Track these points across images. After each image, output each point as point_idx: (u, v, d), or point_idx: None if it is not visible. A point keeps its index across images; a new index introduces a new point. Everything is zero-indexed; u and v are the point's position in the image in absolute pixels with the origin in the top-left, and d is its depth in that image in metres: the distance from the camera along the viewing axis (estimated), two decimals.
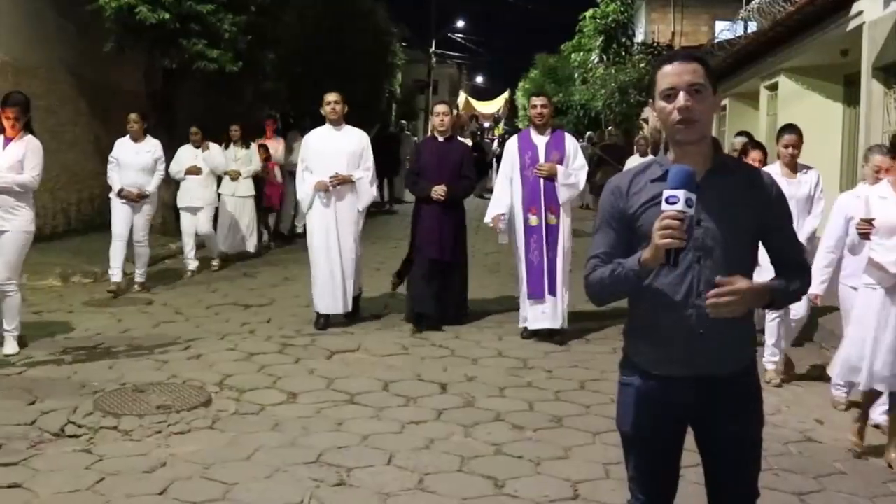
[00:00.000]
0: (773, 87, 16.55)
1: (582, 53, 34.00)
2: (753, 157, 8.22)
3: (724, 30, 23.93)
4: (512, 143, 9.60)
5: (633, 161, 14.78)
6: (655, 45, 29.96)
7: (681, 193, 3.03)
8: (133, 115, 11.55)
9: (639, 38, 33.14)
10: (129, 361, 8.03)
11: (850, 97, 14.51)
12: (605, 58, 30.55)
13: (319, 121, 10.09)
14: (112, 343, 8.69)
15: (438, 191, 9.54)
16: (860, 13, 11.79)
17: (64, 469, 5.51)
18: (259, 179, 14.96)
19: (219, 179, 13.72)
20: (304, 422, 6.51)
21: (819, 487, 5.56)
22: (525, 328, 9.32)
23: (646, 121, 29.19)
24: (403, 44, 38.36)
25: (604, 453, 6.00)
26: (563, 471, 5.70)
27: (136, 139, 11.51)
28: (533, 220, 9.13)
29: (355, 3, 22.94)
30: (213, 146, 13.40)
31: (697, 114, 3.17)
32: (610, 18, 31.52)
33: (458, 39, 62.83)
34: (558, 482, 5.51)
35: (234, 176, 14.00)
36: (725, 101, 20.43)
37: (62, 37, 14.51)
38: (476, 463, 5.80)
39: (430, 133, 10.88)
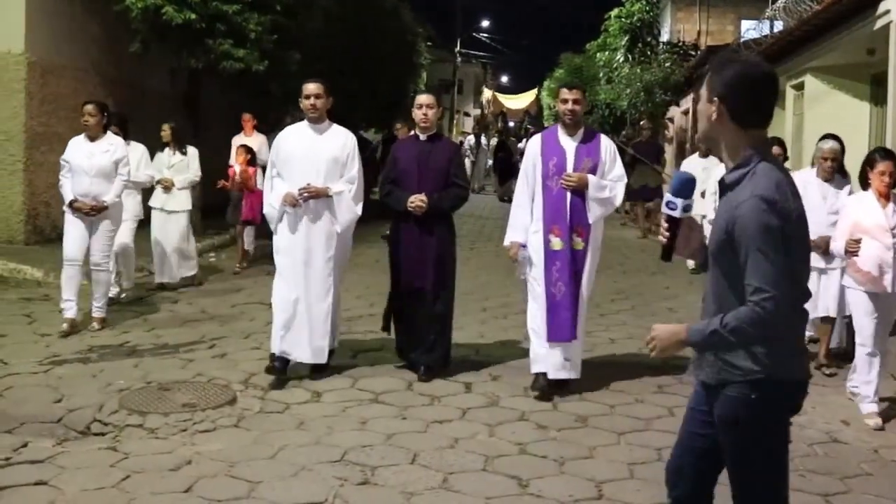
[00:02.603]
0: (800, 87, 16.47)
1: (607, 53, 33.80)
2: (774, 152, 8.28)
3: (750, 29, 23.81)
4: (534, 144, 7.61)
5: (693, 161, 14.13)
6: (681, 44, 29.83)
7: (679, 201, 3.43)
8: (89, 107, 9.27)
9: (664, 37, 33.00)
10: (155, 360, 8.07)
11: (878, 96, 14.42)
12: (630, 57, 30.36)
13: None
14: (138, 341, 8.74)
15: (416, 201, 7.70)
16: (887, 12, 11.70)
17: (89, 467, 5.55)
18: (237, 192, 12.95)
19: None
20: (329, 420, 6.53)
21: (845, 489, 5.53)
22: (539, 376, 7.35)
23: (671, 120, 29.11)
24: (429, 43, 38.36)
25: (629, 453, 5.98)
26: (587, 471, 5.69)
27: (92, 137, 9.21)
28: (555, 242, 7.29)
29: (381, 3, 22.96)
30: (136, 144, 10.72)
31: None
32: (635, 18, 31.32)
33: (484, 39, 62.89)
34: (583, 482, 5.50)
35: (168, 186, 11.51)
36: None
37: (89, 37, 14.59)
38: (500, 462, 5.80)
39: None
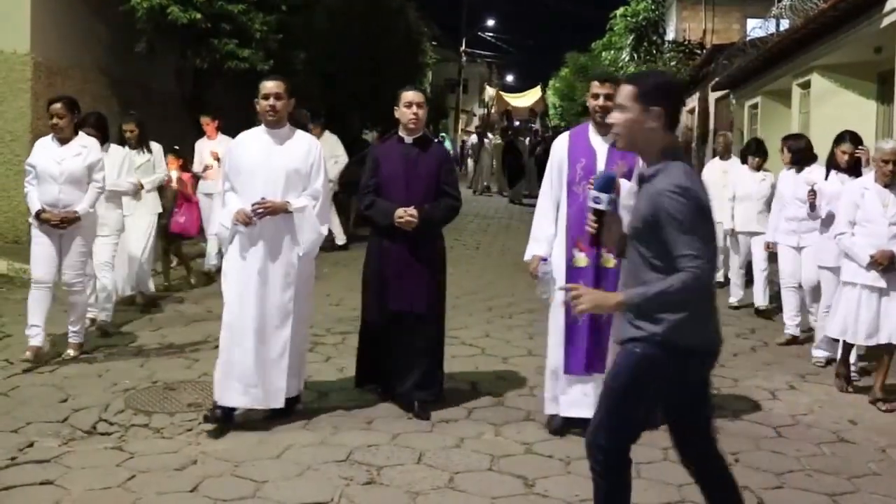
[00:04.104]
0: (806, 85, 16.41)
1: (612, 52, 33.93)
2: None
3: (756, 27, 23.76)
4: (560, 144, 6.58)
5: (714, 165, 12.81)
6: (686, 43, 29.82)
7: (604, 196, 4.04)
8: (56, 106, 8.02)
9: (669, 36, 33.02)
10: (161, 360, 8.07)
11: (884, 94, 14.36)
12: (635, 56, 30.47)
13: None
14: (144, 341, 8.74)
15: (405, 215, 6.64)
16: (894, 10, 11.67)
17: (95, 466, 5.54)
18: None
19: None
20: (335, 420, 6.52)
21: (853, 489, 5.51)
22: (554, 416, 6.45)
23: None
24: (434, 43, 38.38)
25: (635, 453, 5.94)
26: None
27: (62, 139, 8.03)
28: (580, 259, 6.29)
29: (386, 2, 22.97)
30: (116, 148, 9.45)
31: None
32: (640, 17, 31.45)
33: (489, 38, 62.88)
34: (588, 482, 5.43)
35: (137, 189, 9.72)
36: (757, 100, 20.30)
37: (94, 37, 14.59)
38: (506, 462, 5.79)
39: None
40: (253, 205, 6.28)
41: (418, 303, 6.78)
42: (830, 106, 14.75)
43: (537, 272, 6.37)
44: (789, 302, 9.35)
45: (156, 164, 10.44)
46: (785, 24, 19.40)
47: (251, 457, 5.75)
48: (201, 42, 14.20)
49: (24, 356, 7.73)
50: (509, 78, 77.23)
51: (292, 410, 6.56)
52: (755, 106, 20.58)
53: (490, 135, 33.44)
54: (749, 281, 11.25)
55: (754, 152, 10.98)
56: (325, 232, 6.70)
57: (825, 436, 6.47)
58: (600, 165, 6.23)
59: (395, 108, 6.93)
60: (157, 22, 13.78)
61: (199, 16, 13.65)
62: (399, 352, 6.85)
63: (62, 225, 7.86)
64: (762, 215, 10.53)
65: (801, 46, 15.71)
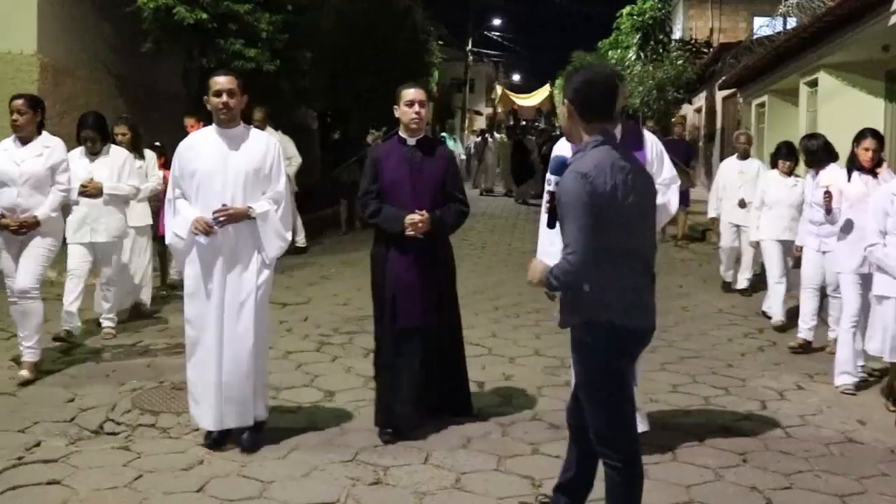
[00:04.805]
0: (813, 84, 16.36)
1: (619, 51, 33.82)
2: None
3: (763, 26, 23.71)
4: (562, 148, 5.86)
5: (731, 164, 12.45)
6: (693, 41, 29.77)
7: (553, 178, 4.27)
8: (17, 103, 7.50)
9: (676, 34, 32.97)
10: (168, 359, 8.05)
11: (892, 93, 14.33)
12: (642, 55, 30.38)
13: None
14: (150, 341, 8.74)
15: (415, 219, 6.14)
16: None
17: (102, 466, 5.56)
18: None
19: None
20: (341, 420, 6.52)
21: (861, 489, 5.49)
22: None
23: (684, 118, 29.05)
24: (440, 42, 38.37)
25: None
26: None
27: (24, 139, 7.52)
28: None
29: (392, 2, 22.98)
30: (117, 149, 9.10)
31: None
32: (647, 15, 31.35)
33: (495, 37, 62.88)
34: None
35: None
36: (764, 99, 20.26)
37: (101, 38, 14.63)
38: (513, 462, 5.78)
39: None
40: (214, 212, 5.76)
41: (430, 316, 6.30)
42: (838, 104, 14.70)
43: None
44: (807, 304, 8.91)
45: (148, 171, 9.96)
46: (792, 23, 19.35)
47: (257, 457, 5.76)
48: (207, 42, 14.24)
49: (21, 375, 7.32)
50: (516, 77, 77.26)
51: (261, 434, 6.06)
52: (762, 105, 20.53)
53: (496, 134, 33.38)
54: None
55: (785, 156, 10.09)
56: (290, 237, 6.22)
57: (834, 436, 6.44)
58: None
59: (395, 106, 6.40)
60: (163, 22, 13.84)
61: (205, 16, 13.70)
62: (410, 386, 6.25)
63: (21, 231, 7.34)
64: (795, 223, 9.56)
65: (808, 45, 15.67)
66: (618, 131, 5.64)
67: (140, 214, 9.78)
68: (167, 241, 6.14)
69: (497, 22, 63.99)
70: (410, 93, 6.36)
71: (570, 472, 4.71)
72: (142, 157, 9.91)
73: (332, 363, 8.14)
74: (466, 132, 52.13)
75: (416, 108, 6.33)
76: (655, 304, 4.36)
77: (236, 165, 5.91)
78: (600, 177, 3.99)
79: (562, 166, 4.24)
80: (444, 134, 40.59)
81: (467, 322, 8.09)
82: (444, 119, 48.29)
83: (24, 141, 7.52)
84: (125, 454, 5.77)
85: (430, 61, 30.84)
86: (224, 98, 5.89)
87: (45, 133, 7.68)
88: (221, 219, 5.77)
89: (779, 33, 19.42)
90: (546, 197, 4.50)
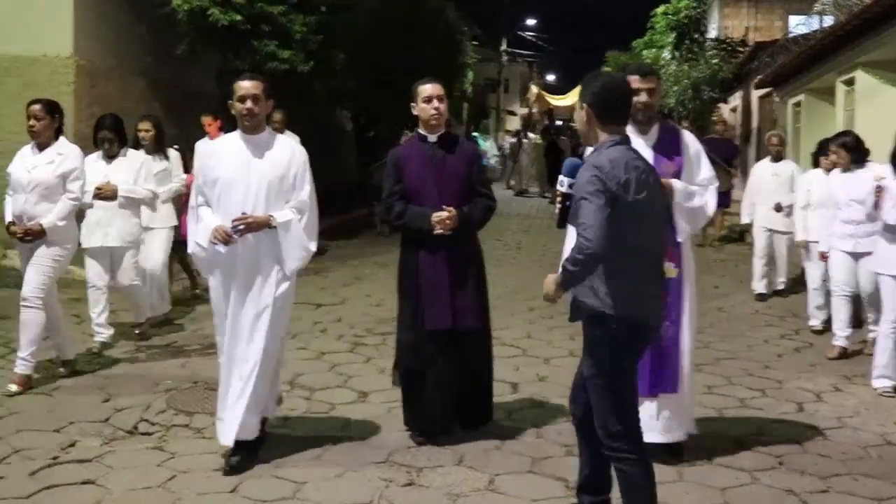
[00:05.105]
0: (850, 83, 16.20)
1: (654, 50, 33.68)
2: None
3: (799, 24, 23.52)
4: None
5: (764, 166, 12.02)
6: (728, 40, 29.56)
7: (567, 180, 4.53)
8: (34, 108, 7.33)
9: (711, 33, 32.76)
10: (202, 360, 8.07)
11: None
12: (677, 54, 30.22)
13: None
14: (185, 341, 8.79)
15: (443, 216, 5.97)
16: None
17: (136, 466, 5.57)
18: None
19: None
20: (375, 421, 6.50)
21: None
22: None
23: (725, 120, 28.87)
24: (475, 42, 38.34)
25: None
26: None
27: (40, 145, 7.35)
28: None
29: (426, 2, 22.97)
30: (134, 153, 8.87)
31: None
32: (682, 14, 31.18)
33: (529, 37, 62.78)
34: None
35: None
36: (800, 98, 20.09)
37: (136, 40, 14.69)
38: (547, 464, 5.74)
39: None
40: (233, 221, 5.54)
41: (462, 317, 6.08)
42: (876, 103, 14.54)
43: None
44: (841, 311, 8.73)
45: (173, 172, 9.82)
46: (829, 21, 19.18)
47: (291, 458, 5.75)
48: (241, 43, 14.28)
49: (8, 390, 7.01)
50: (550, 77, 77.06)
51: (262, 440, 5.85)
52: (798, 104, 20.36)
53: (531, 134, 33.27)
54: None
55: (828, 154, 9.48)
56: (314, 248, 5.87)
57: (872, 439, 6.35)
58: None
59: (413, 104, 6.22)
60: (197, 24, 13.90)
61: (239, 17, 13.75)
62: (443, 379, 6.10)
63: (26, 238, 7.17)
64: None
65: (844, 43, 15.53)
66: (654, 131, 5.79)
67: (164, 216, 9.58)
68: (189, 250, 5.91)
69: (531, 22, 64.01)
70: (427, 88, 6.18)
71: (586, 470, 4.76)
72: (165, 156, 9.74)
73: (365, 364, 8.14)
74: (501, 132, 52.05)
75: (435, 103, 6.14)
76: (661, 303, 4.65)
77: (259, 173, 5.67)
78: (615, 170, 4.22)
79: (574, 169, 4.48)
80: (475, 133, 40.56)
81: (502, 322, 8.09)
82: (479, 119, 48.20)
83: (41, 147, 7.35)
84: (159, 454, 5.79)
85: (464, 62, 30.80)
86: (249, 104, 5.66)
87: (62, 139, 7.49)
88: (241, 227, 5.54)
89: (815, 31, 19.27)
90: (558, 199, 4.66)
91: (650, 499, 4.35)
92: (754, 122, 25.77)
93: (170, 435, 6.18)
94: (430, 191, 6.07)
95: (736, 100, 28.09)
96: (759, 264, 11.78)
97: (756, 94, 25.11)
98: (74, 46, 13.16)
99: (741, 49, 27.93)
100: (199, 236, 5.72)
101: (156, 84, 15.19)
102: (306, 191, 5.79)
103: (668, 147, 5.79)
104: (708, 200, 5.80)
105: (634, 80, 5.55)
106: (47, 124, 7.30)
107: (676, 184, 5.64)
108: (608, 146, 4.37)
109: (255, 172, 5.66)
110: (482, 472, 5.58)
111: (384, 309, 10.14)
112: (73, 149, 7.47)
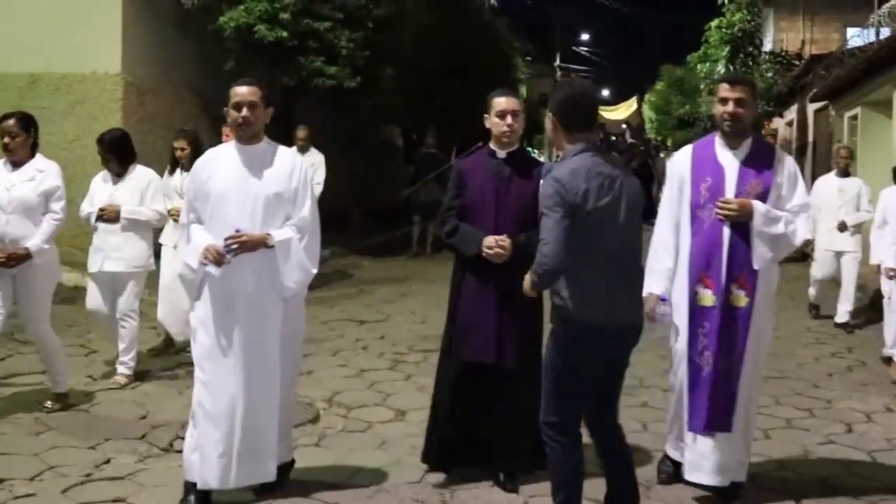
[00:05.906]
0: None
1: (708, 64, 33.42)
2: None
3: (855, 36, 23.16)
4: (682, 159, 5.56)
5: (828, 181, 11.21)
6: (784, 53, 29.22)
7: None
8: (7, 123, 6.81)
9: (767, 47, 32.39)
10: None
11: None
12: (731, 68, 29.89)
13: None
14: None
15: (492, 243, 5.41)
16: None
17: (169, 484, 5.51)
18: None
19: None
20: (412, 440, 6.36)
21: None
22: (671, 467, 5.72)
23: (775, 130, 28.50)
24: (528, 58, 38.29)
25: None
26: (678, 495, 5.47)
27: (16, 162, 6.83)
28: (706, 297, 5.27)
29: (475, 16, 22.94)
30: (143, 170, 8.03)
31: None
32: (736, 28, 30.86)
33: (583, 52, 62.66)
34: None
35: (175, 216, 7.93)
36: (857, 111, 19.74)
37: (183, 56, 14.81)
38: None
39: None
40: (226, 239, 5.01)
41: (507, 354, 5.48)
42: None
43: (654, 313, 5.18)
44: (893, 326, 8.55)
45: None
46: (885, 33, 18.85)
47: (324, 477, 5.68)
48: (288, 60, 14.32)
49: None
50: (605, 93, 76.85)
51: (286, 480, 5.46)
52: (855, 117, 20.00)
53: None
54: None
55: None
56: (315, 271, 5.31)
57: None
58: (729, 186, 5.27)
59: (486, 116, 5.68)
60: (244, 40, 13.96)
61: (285, 34, 13.79)
62: (478, 416, 5.62)
63: (9, 263, 6.60)
64: None
65: None
66: (746, 146, 5.36)
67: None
68: (178, 271, 5.42)
69: (585, 37, 63.92)
70: (502, 102, 5.62)
71: (611, 482, 4.93)
72: None
73: (405, 381, 8.08)
74: (553, 148, 52.01)
75: (509, 119, 5.58)
76: (636, 303, 4.69)
77: (255, 187, 5.14)
78: (575, 181, 4.36)
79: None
80: (529, 148, 40.53)
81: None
82: (532, 134, 48.21)
83: (17, 164, 6.82)
84: None
85: (516, 77, 30.75)
86: (244, 112, 5.14)
87: (38, 156, 6.96)
88: (234, 246, 5.00)
89: (871, 44, 18.95)
90: None
91: (574, 484, 4.68)
92: (810, 136, 25.42)
93: None
94: (488, 210, 5.55)
95: (791, 113, 27.72)
96: (817, 286, 11.36)
97: (812, 108, 24.75)
98: (123, 63, 13.29)
99: (797, 62, 27.58)
100: (188, 256, 5.22)
101: (204, 100, 15.28)
102: (306, 208, 5.25)
103: (759, 164, 5.33)
104: (797, 229, 5.30)
105: (723, 89, 5.35)
106: (23, 141, 6.79)
107: (758, 206, 5.18)
108: (572, 155, 4.53)
109: (251, 186, 5.15)
110: (517, 493, 5.47)
111: (428, 326, 10.07)
112: (53, 165, 6.96)
